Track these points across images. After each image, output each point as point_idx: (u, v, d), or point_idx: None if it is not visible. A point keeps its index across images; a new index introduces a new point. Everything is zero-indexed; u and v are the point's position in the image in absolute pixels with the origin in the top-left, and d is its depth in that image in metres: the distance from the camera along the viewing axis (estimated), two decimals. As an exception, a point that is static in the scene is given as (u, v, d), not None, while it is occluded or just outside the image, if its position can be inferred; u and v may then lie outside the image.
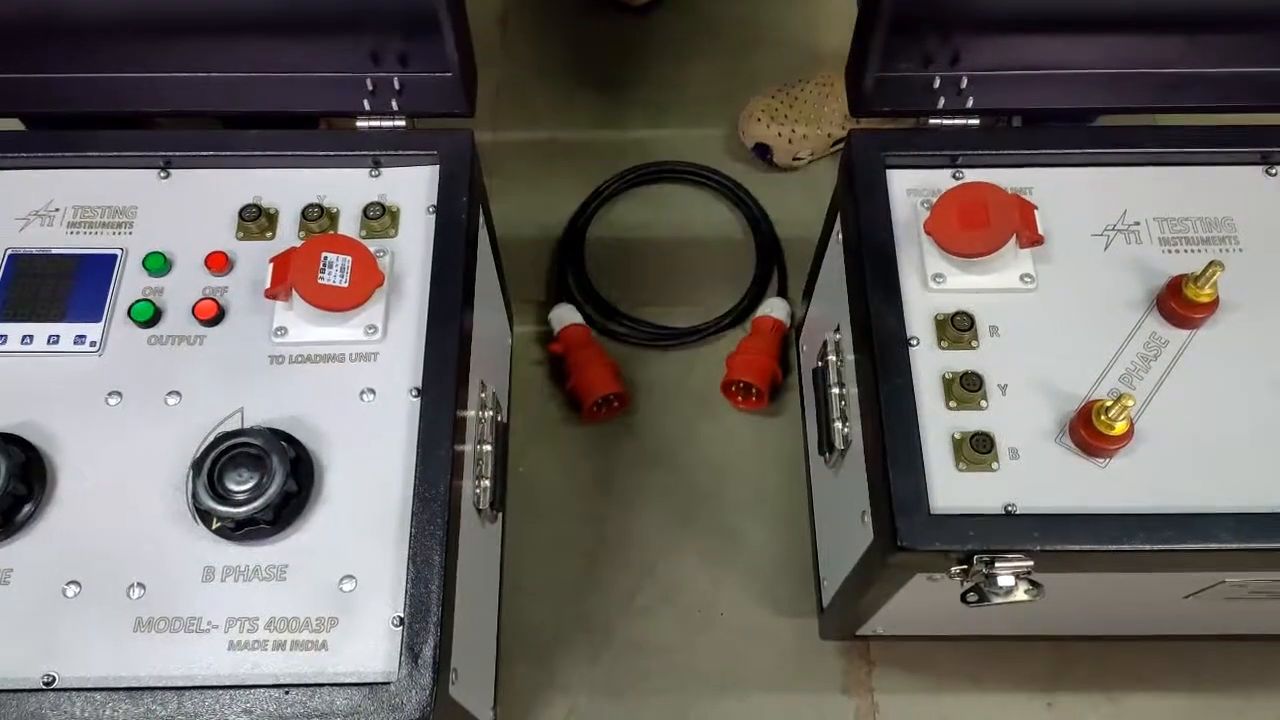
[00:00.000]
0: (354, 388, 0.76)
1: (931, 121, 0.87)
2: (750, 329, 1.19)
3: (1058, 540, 0.70)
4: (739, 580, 1.09)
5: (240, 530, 0.70)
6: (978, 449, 0.73)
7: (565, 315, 1.18)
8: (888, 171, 0.84)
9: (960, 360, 0.77)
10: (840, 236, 0.89)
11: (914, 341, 0.78)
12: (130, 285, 0.80)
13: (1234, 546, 0.70)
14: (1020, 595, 0.70)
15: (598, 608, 1.07)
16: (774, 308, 1.19)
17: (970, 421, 0.75)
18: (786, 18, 1.43)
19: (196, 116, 0.98)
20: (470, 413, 0.83)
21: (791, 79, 1.29)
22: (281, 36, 0.85)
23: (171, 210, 0.83)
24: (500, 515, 1.02)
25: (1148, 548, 0.70)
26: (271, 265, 0.77)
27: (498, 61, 1.37)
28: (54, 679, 0.67)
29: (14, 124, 0.95)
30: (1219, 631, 1.00)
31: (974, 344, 0.78)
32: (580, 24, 1.36)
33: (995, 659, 1.04)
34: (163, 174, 0.85)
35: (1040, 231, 0.79)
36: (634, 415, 1.17)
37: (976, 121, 0.87)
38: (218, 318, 0.78)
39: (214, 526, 0.70)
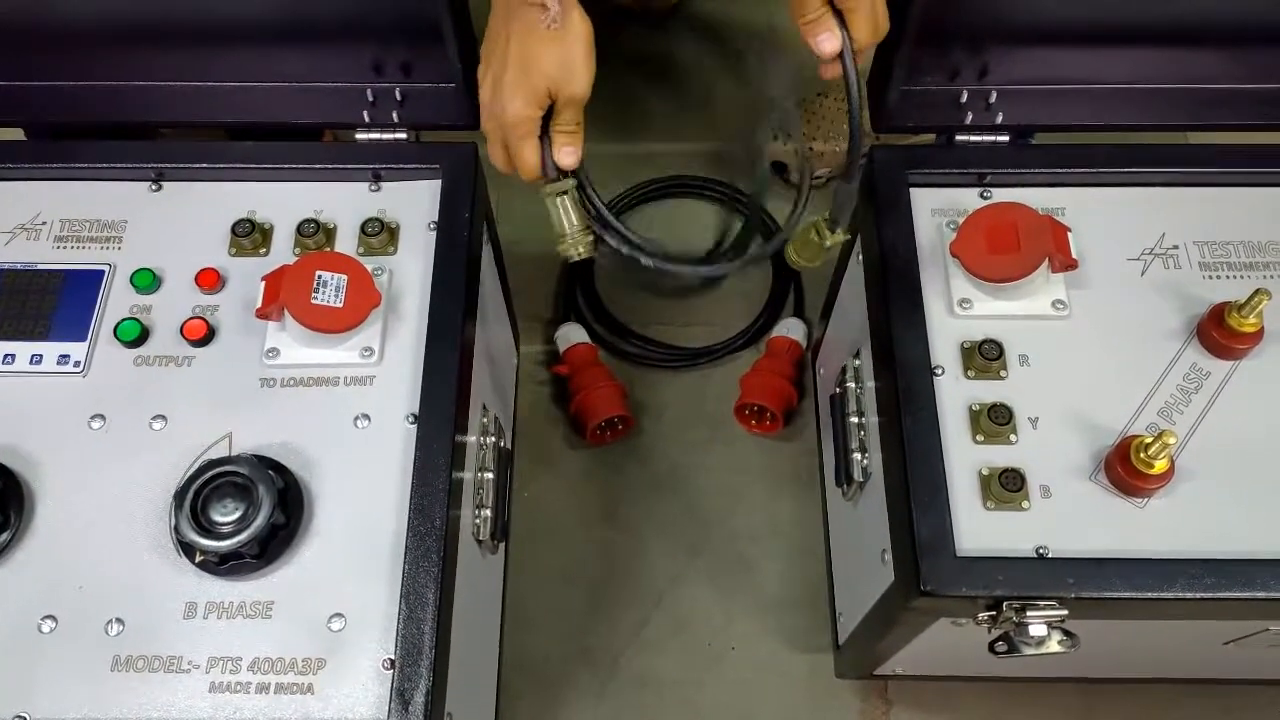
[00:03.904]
0: (348, 413, 0.72)
1: (958, 138, 0.83)
2: (765, 350, 1.15)
3: (1094, 587, 0.65)
4: (751, 613, 1.04)
5: (225, 564, 0.66)
6: (1007, 486, 0.69)
7: (571, 335, 1.14)
8: (911, 190, 0.80)
9: (988, 391, 0.73)
10: (860, 258, 0.85)
11: (939, 370, 0.74)
12: (117, 303, 0.76)
13: (1280, 595, 0.66)
14: (1054, 646, 0.66)
15: (604, 640, 1.03)
16: (790, 328, 1.15)
17: (999, 457, 0.71)
18: (805, 30, 1.40)
19: (197, 127, 0.95)
20: (470, 438, 0.79)
21: (808, 94, 1.26)
22: (282, 46, 0.82)
23: (162, 224, 0.80)
24: (503, 545, 0.98)
25: (1189, 596, 0.66)
26: (264, 283, 0.74)
27: (508, 72, 1.34)
28: (25, 720, 0.63)
29: (15, 134, 0.92)
30: (1261, 677, 0.95)
31: (1003, 374, 0.74)
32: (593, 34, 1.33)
33: (1020, 701, 0.99)
34: (154, 186, 0.82)
35: (1074, 255, 0.75)
36: (644, 439, 1.13)
37: (1006, 138, 0.83)
38: (207, 338, 0.75)
39: (197, 560, 0.67)
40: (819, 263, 0.81)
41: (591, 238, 0.76)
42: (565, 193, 0.76)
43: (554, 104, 0.72)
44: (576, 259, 0.78)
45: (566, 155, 0.74)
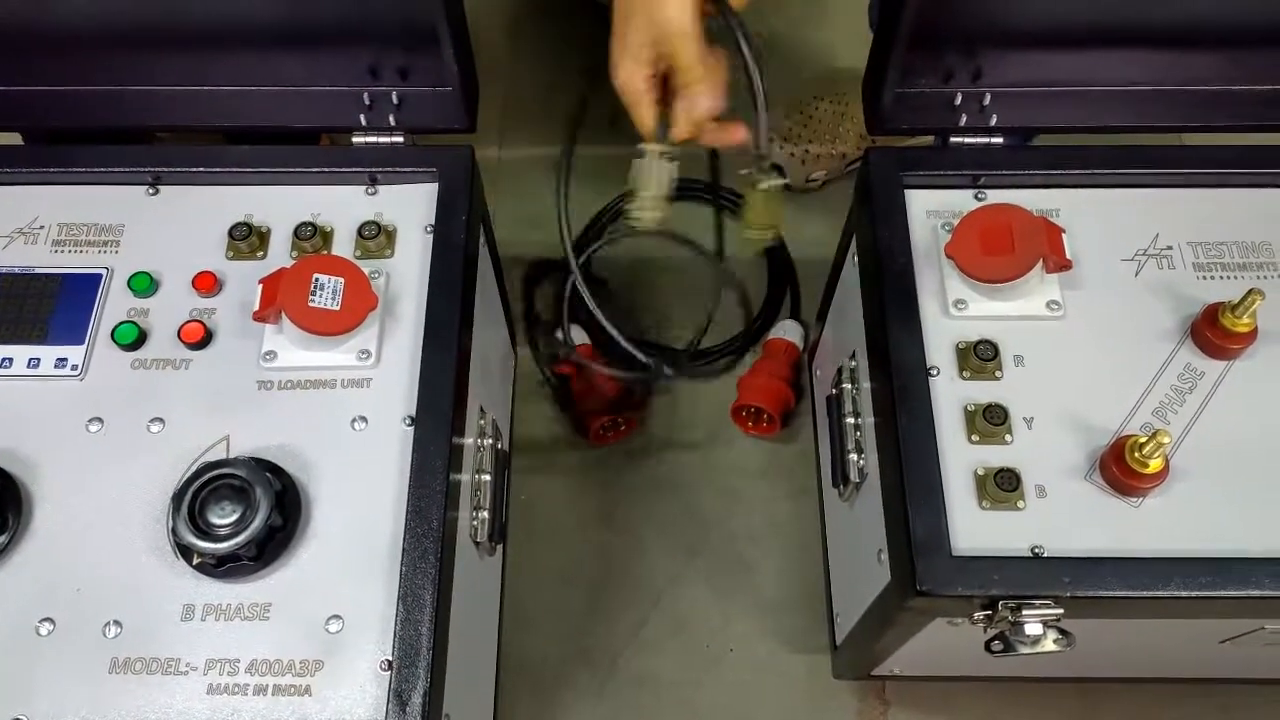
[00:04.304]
0: (345, 415, 0.72)
1: (953, 140, 0.83)
2: (762, 351, 1.15)
3: (1089, 585, 0.65)
4: (749, 613, 1.05)
5: (222, 566, 0.66)
6: (1002, 486, 0.69)
7: (573, 335, 1.14)
8: (906, 192, 0.81)
9: (983, 391, 0.73)
10: (856, 259, 0.86)
11: (934, 371, 0.74)
12: (115, 306, 0.77)
13: (1275, 594, 0.66)
14: (1049, 645, 0.66)
15: (602, 641, 1.03)
16: (787, 330, 1.15)
17: (994, 457, 0.71)
18: (800, 35, 1.40)
19: (194, 131, 0.96)
20: (468, 440, 0.79)
21: (805, 97, 1.26)
22: (279, 50, 0.82)
23: (160, 228, 0.80)
24: (501, 546, 0.98)
25: (1184, 594, 0.66)
26: (261, 286, 0.74)
27: (505, 75, 1.34)
28: (23, 722, 0.63)
29: (12, 138, 0.92)
30: (1259, 676, 0.95)
31: (998, 374, 0.74)
32: (591, 38, 1.33)
33: (1019, 702, 0.99)
34: (151, 190, 0.82)
35: (1068, 256, 0.75)
36: (643, 440, 1.13)
37: (1000, 140, 0.83)
38: (204, 341, 0.75)
39: (195, 562, 0.67)
40: (776, 228, 0.77)
41: (664, 213, 0.70)
42: (664, 156, 0.70)
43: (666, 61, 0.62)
44: (642, 225, 0.73)
45: (692, 116, 0.61)
